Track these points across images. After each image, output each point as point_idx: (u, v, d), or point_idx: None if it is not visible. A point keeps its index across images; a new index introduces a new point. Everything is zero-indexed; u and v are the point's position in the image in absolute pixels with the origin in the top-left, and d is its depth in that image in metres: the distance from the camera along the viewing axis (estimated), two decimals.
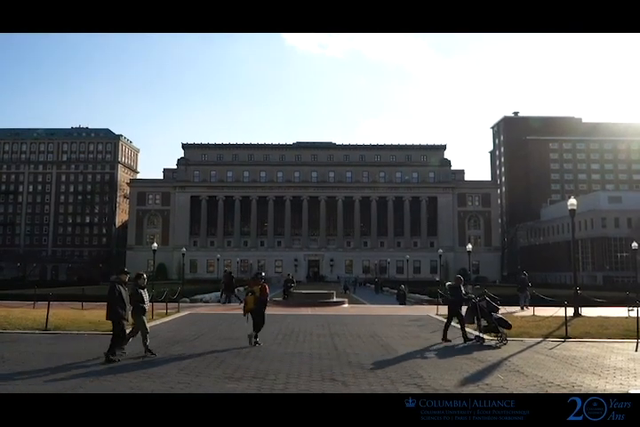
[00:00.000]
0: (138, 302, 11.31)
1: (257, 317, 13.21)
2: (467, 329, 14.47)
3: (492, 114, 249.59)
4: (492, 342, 13.56)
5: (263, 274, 14.78)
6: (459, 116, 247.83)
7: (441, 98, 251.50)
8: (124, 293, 11.08)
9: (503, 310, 15.98)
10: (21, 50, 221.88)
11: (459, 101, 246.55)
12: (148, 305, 11.83)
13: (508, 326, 13.64)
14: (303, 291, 35.31)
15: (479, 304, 13.90)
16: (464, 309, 14.74)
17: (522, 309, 25.26)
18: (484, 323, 13.87)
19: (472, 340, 13.90)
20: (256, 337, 13.01)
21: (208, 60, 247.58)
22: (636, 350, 12.77)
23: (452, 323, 14.76)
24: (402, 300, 37.45)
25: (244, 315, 13.45)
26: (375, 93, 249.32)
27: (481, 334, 13.90)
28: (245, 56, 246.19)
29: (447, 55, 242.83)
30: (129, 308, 11.14)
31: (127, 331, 11.34)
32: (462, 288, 14.78)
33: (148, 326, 11.63)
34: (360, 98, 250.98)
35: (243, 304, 14.15)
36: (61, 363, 10.27)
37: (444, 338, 14.12)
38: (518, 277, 26.67)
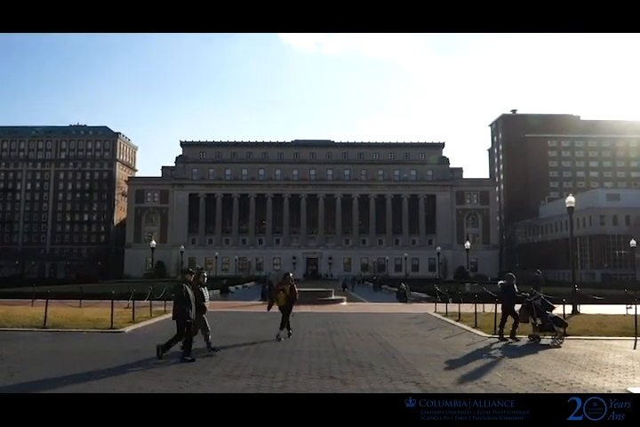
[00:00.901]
0: (199, 300, 11.18)
1: (285, 314, 14.42)
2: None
3: (491, 112, 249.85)
4: (549, 342, 13.43)
5: (292, 275, 15.83)
6: (457, 113, 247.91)
7: (439, 96, 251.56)
8: (191, 292, 10.90)
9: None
10: (20, 49, 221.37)
11: (457, 99, 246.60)
12: (208, 303, 11.67)
13: (564, 325, 13.51)
14: (302, 289, 35.17)
15: (534, 303, 13.76)
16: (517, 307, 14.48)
17: None
18: (538, 322, 13.64)
19: (506, 340, 13.75)
20: (289, 329, 14.46)
21: (205, 59, 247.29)
22: (635, 348, 12.78)
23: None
24: (402, 298, 37.40)
25: (268, 310, 15.27)
26: (373, 92, 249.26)
27: (537, 333, 13.75)
28: (243, 55, 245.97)
29: (445, 53, 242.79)
30: (194, 307, 10.98)
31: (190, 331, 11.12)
32: (515, 287, 14.69)
33: (208, 324, 11.52)
34: (358, 96, 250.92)
35: (270, 301, 15.79)
36: (134, 360, 10.28)
37: (501, 337, 13.92)
38: (532, 274, 26.85)
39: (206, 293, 11.56)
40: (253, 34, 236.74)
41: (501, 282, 15.47)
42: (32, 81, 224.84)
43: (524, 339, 13.94)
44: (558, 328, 13.38)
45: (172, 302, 11.35)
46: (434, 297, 28.37)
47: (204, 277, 11.78)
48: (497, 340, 13.86)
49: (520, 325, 14.11)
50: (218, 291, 40.14)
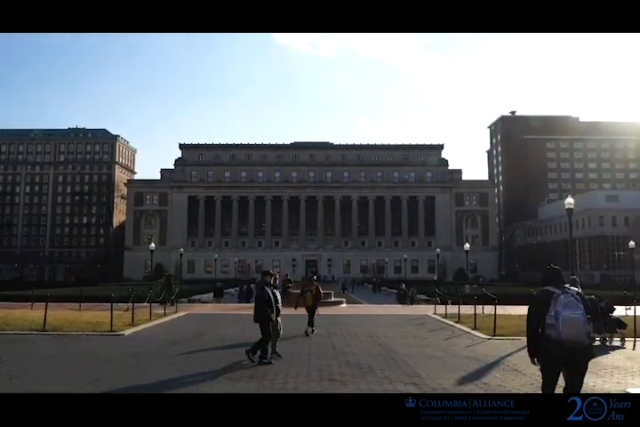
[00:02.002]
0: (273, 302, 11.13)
1: (312, 312, 15.79)
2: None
3: (490, 113, 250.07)
4: (618, 343, 13.38)
5: (315, 277, 17.73)
6: (456, 115, 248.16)
7: (438, 97, 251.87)
8: (272, 295, 10.90)
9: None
10: (19, 50, 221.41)
11: (456, 101, 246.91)
12: (281, 305, 11.58)
13: (624, 326, 13.57)
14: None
15: (599, 305, 13.80)
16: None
17: None
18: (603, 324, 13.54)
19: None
20: (312, 326, 15.66)
21: (204, 61, 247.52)
22: (634, 349, 12.80)
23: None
24: (402, 299, 37.12)
25: (296, 308, 16.21)
26: (371, 93, 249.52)
27: (605, 335, 13.69)
28: (241, 56, 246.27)
29: (444, 54, 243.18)
30: (275, 310, 10.96)
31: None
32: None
33: (281, 327, 11.52)
34: (356, 98, 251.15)
35: (296, 300, 16.72)
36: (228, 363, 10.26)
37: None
38: (569, 278, 27.37)
39: (278, 295, 11.51)
40: (251, 36, 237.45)
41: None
42: (30, 83, 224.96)
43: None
44: (620, 330, 13.52)
45: (253, 304, 11.32)
46: (433, 299, 28.38)
47: (276, 279, 11.78)
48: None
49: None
50: (211, 294, 38.99)
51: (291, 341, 14.04)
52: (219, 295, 37.98)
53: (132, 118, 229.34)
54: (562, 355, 5.49)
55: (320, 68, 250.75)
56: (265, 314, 10.67)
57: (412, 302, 36.64)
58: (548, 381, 5.72)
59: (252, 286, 31.75)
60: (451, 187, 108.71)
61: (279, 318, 11.35)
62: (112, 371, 9.60)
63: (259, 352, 10.60)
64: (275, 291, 11.28)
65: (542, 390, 5.85)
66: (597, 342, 13.63)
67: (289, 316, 15.27)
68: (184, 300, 31.72)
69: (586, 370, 5.95)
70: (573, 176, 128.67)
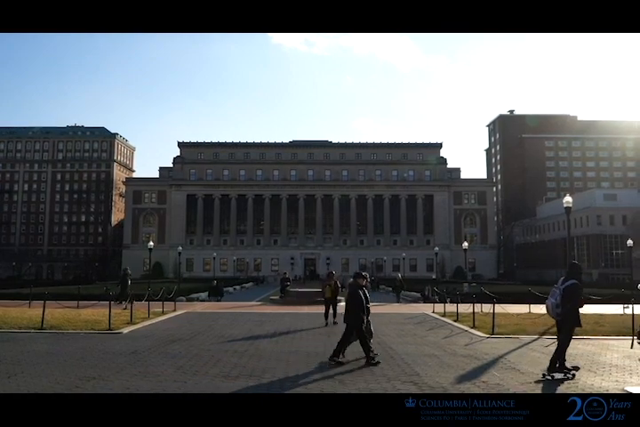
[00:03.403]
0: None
1: (334, 305, 18.02)
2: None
3: (488, 112, 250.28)
4: None
5: (335, 272, 19.73)
6: (455, 114, 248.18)
7: (436, 96, 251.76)
8: (363, 297, 10.82)
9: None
10: (17, 49, 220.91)
11: (455, 100, 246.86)
12: (370, 305, 11.47)
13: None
14: (300, 289, 35.27)
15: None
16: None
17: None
18: None
19: None
20: (334, 317, 17.53)
21: (203, 60, 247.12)
22: (632, 348, 12.80)
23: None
24: (398, 291, 36.21)
25: (324, 298, 18.40)
26: (369, 92, 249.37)
27: None
28: (237, 55, 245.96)
29: (442, 52, 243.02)
30: (366, 311, 10.88)
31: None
32: None
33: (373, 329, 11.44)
34: (353, 96, 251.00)
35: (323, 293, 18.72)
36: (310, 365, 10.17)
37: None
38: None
39: (368, 295, 11.36)
40: (246, 34, 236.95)
41: None
42: (29, 81, 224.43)
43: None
44: None
45: (345, 305, 11.18)
46: (432, 297, 28.38)
47: (365, 279, 11.63)
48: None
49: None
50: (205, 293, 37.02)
51: (289, 339, 14.04)
52: (215, 295, 34.77)
53: (130, 116, 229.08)
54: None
55: (317, 66, 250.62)
56: (359, 316, 10.61)
57: (399, 297, 35.58)
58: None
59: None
60: (449, 185, 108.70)
61: (370, 318, 11.33)
62: (110, 369, 9.58)
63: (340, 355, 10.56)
64: (365, 292, 11.16)
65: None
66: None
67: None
68: (182, 298, 31.69)
69: (566, 332, 9.51)
70: (572, 175, 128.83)
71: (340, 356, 10.67)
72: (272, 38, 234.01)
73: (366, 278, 11.56)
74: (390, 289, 47.59)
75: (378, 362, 10.27)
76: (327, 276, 19.20)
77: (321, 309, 19.12)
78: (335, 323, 17.02)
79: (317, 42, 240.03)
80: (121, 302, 24.16)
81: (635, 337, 13.31)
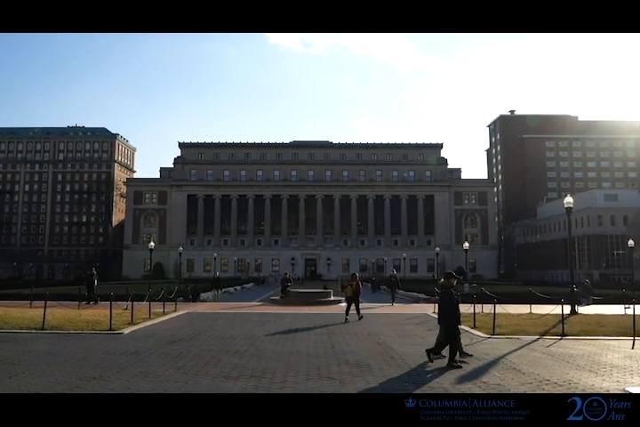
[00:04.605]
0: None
1: (356, 303, 19.49)
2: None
3: (489, 112, 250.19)
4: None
5: (357, 274, 21.66)
6: (455, 114, 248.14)
7: (437, 96, 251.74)
8: (456, 298, 10.80)
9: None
10: (18, 49, 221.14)
11: (455, 100, 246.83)
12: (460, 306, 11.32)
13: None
14: (300, 290, 35.23)
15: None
16: None
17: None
18: None
19: None
20: (359, 314, 19.40)
21: (201, 60, 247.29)
22: (633, 348, 12.79)
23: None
24: (393, 289, 31.98)
25: (345, 297, 20.07)
26: (369, 92, 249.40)
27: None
28: (239, 56, 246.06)
29: (441, 53, 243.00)
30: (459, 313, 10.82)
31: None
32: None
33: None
34: (354, 96, 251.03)
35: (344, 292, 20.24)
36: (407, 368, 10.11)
37: None
38: (584, 284, 29.09)
39: (458, 296, 11.32)
40: (243, 35, 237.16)
41: None
42: (29, 82, 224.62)
43: None
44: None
45: (438, 307, 11.17)
46: (432, 297, 28.34)
47: (456, 279, 11.52)
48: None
49: None
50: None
51: (290, 339, 14.05)
52: (216, 288, 32.07)
53: (131, 117, 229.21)
54: None
55: (315, 66, 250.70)
56: (456, 317, 10.58)
57: (397, 289, 31.76)
58: None
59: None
60: (450, 186, 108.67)
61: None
62: (111, 370, 9.58)
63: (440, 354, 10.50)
64: (453, 291, 11.03)
65: None
66: None
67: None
68: (182, 299, 31.68)
69: None
70: (572, 175, 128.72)
71: (460, 355, 10.55)
72: (269, 38, 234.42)
73: (457, 278, 11.39)
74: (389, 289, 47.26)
75: (459, 366, 10.03)
76: (350, 277, 20.90)
77: (321, 309, 19.32)
78: (360, 318, 19.14)
79: (314, 42, 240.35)
80: (89, 303, 24.98)
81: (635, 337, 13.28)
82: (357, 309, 19.57)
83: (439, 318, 10.95)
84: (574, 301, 22.40)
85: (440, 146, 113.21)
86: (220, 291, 35.44)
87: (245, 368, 9.74)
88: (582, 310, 22.45)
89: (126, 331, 15.42)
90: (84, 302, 25.38)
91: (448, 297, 10.77)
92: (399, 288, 34.37)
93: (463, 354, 10.84)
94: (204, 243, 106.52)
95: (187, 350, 12.12)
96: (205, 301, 34.52)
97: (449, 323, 10.60)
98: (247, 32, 4.60)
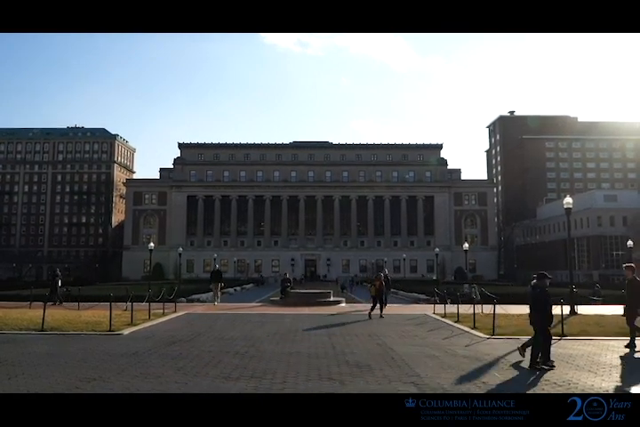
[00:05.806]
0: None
1: (380, 301, 20.73)
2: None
3: (489, 113, 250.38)
4: None
5: (382, 274, 22.70)
6: (455, 115, 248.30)
7: (436, 97, 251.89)
8: (548, 298, 10.37)
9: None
10: (17, 50, 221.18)
11: (455, 100, 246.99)
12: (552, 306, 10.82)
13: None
14: (300, 290, 35.18)
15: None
16: None
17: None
18: None
19: None
20: (381, 312, 20.77)
21: (201, 60, 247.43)
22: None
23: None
24: (387, 284, 28.39)
25: (371, 297, 21.28)
26: (369, 93, 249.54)
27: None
28: (239, 56, 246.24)
29: (442, 54, 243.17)
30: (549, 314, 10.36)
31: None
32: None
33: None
34: (354, 97, 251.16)
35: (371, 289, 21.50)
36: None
37: None
38: (596, 289, 29.96)
39: (549, 296, 10.82)
40: (240, 35, 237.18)
41: None
42: (29, 82, 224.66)
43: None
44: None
45: (529, 307, 10.68)
46: (432, 298, 28.33)
47: (550, 278, 11.15)
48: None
49: None
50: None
51: (290, 340, 14.04)
52: (216, 280, 28.62)
53: (131, 118, 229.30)
54: None
55: (313, 67, 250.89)
56: (550, 318, 10.22)
57: (388, 289, 28.25)
58: None
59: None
60: (450, 186, 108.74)
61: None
62: (111, 371, 9.58)
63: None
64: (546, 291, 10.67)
65: None
66: None
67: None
68: (182, 299, 31.66)
69: None
70: (572, 176, 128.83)
71: (550, 359, 10.06)
72: (265, 38, 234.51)
73: (550, 279, 10.94)
74: (392, 292, 47.21)
75: (542, 367, 9.73)
76: (375, 277, 22.31)
77: (321, 310, 19.45)
78: (382, 317, 20.14)
79: (311, 42, 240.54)
80: (54, 303, 25.25)
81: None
82: (381, 307, 20.72)
83: (536, 322, 10.32)
84: (574, 301, 22.41)
85: (440, 147, 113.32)
86: (219, 291, 31.35)
87: (246, 369, 9.73)
88: (582, 310, 22.45)
89: (126, 332, 15.40)
90: (49, 303, 25.24)
91: (545, 297, 10.26)
92: (390, 289, 31.02)
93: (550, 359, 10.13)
94: (203, 243, 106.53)
95: (187, 350, 12.10)
96: (205, 302, 34.45)
97: (544, 323, 10.14)
98: (247, 32, 4.60)
